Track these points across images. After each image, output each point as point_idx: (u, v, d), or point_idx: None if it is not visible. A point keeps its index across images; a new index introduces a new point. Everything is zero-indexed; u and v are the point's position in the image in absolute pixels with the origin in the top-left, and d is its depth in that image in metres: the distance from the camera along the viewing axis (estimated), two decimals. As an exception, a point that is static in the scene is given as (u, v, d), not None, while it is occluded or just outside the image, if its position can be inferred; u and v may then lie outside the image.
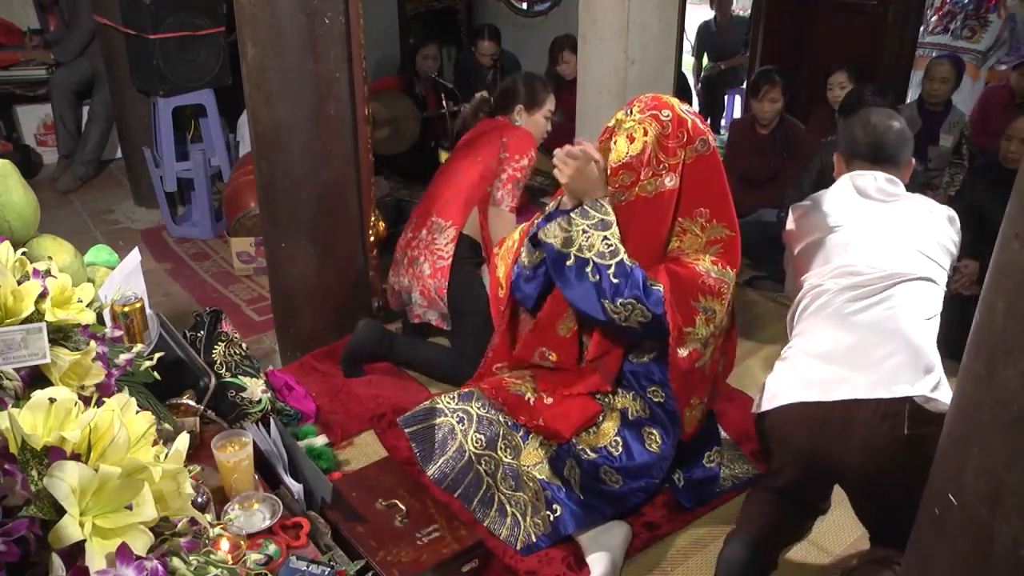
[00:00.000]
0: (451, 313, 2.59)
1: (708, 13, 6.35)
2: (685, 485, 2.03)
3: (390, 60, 5.16)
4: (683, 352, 1.79)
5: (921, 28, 5.09)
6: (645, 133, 1.73)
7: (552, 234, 1.78)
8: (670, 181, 1.75)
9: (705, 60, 6.06)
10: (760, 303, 3.21)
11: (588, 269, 1.74)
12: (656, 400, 1.88)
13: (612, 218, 1.76)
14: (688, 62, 6.62)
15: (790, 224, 2.00)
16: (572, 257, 1.75)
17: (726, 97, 6.03)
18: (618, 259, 1.73)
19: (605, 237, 1.74)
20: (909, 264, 1.77)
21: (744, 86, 5.21)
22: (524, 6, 5.60)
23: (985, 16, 5.28)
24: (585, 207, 1.78)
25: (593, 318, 1.78)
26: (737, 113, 5.79)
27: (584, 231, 1.76)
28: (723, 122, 5.93)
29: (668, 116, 1.73)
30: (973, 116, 4.46)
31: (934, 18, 5.49)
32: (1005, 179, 2.73)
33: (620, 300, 1.72)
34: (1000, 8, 5.25)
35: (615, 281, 1.71)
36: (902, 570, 1.27)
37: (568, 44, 4.31)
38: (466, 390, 2.12)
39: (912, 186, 3.20)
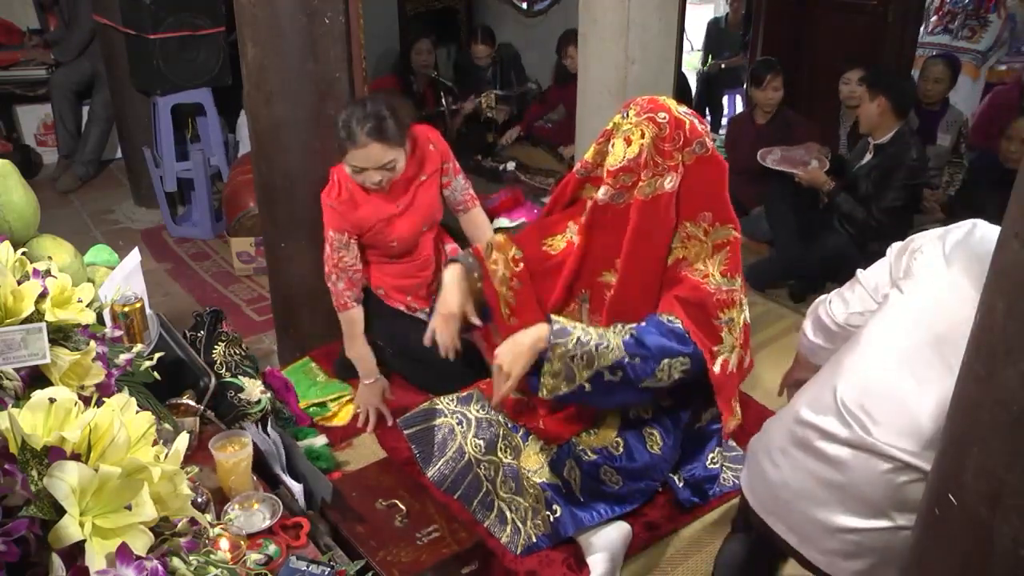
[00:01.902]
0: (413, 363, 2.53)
1: (708, 13, 6.35)
2: (685, 485, 2.03)
3: (389, 59, 5.17)
4: (717, 368, 1.76)
5: (921, 28, 5.10)
6: (642, 136, 1.71)
7: (551, 386, 1.68)
8: (668, 183, 1.73)
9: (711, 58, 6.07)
10: (760, 303, 3.22)
11: (607, 379, 1.65)
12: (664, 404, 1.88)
13: (574, 324, 1.67)
14: (694, 60, 6.63)
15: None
16: (586, 386, 1.66)
17: (726, 97, 6.03)
18: (619, 342, 1.63)
19: (596, 341, 1.64)
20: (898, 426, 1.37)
21: (744, 87, 5.21)
22: (524, 5, 5.60)
23: (985, 16, 5.28)
24: (553, 343, 1.64)
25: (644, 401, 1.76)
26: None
27: (572, 358, 1.64)
28: (723, 121, 5.93)
29: (665, 118, 1.71)
30: (978, 116, 4.47)
31: (934, 18, 5.49)
32: (1005, 179, 2.74)
33: (655, 369, 1.65)
34: (1000, 8, 5.26)
35: (636, 361, 1.64)
36: (902, 571, 1.26)
37: (573, 40, 4.32)
38: (465, 393, 2.12)
39: (909, 188, 3.20)
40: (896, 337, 1.41)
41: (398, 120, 2.22)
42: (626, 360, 1.63)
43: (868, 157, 3.33)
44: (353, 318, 2.37)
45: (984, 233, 1.40)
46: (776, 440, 1.57)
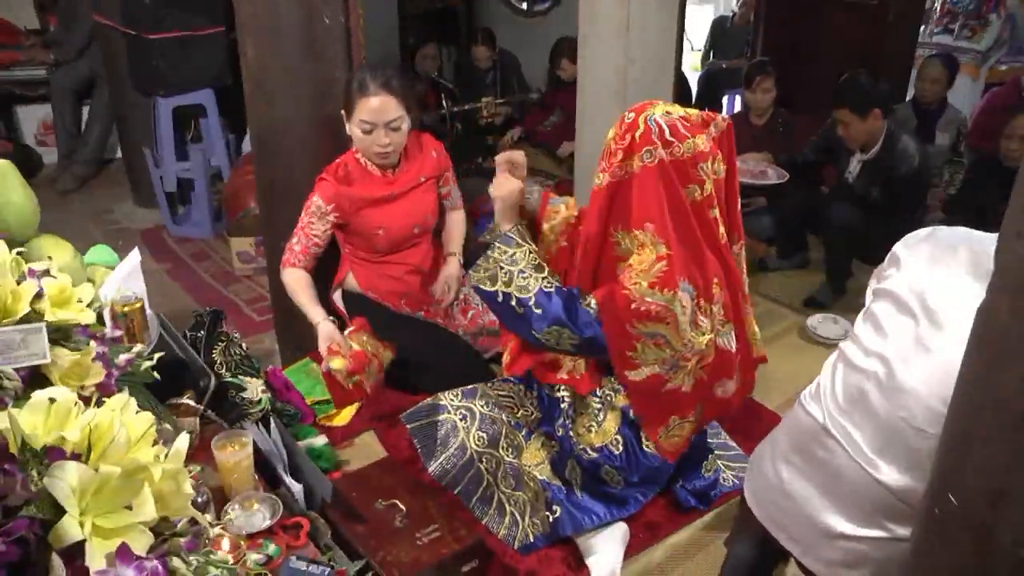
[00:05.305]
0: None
1: (709, 13, 6.33)
2: (687, 493, 2.03)
3: (390, 60, 5.17)
4: (635, 375, 1.77)
5: (923, 28, 5.10)
6: (610, 132, 1.75)
7: (478, 277, 1.81)
8: (599, 180, 1.75)
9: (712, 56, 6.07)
10: (760, 303, 3.21)
11: (513, 303, 1.76)
12: (624, 404, 1.89)
13: (524, 247, 1.79)
14: (694, 60, 6.62)
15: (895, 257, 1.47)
16: (500, 295, 1.78)
17: (726, 98, 6.03)
18: (536, 288, 1.74)
19: (521, 270, 1.77)
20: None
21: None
22: (524, 6, 5.61)
23: (986, 16, 5.28)
24: (497, 244, 1.80)
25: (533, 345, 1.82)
26: (737, 114, 5.78)
27: (501, 266, 1.78)
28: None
29: (630, 118, 1.71)
30: (976, 118, 4.46)
31: (935, 18, 5.49)
32: (1006, 178, 2.74)
33: (544, 328, 1.73)
34: (1000, 8, 5.26)
35: (537, 311, 1.73)
36: (901, 570, 1.26)
37: (567, 53, 4.32)
38: (469, 387, 2.12)
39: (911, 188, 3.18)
40: (882, 346, 1.39)
41: (405, 82, 2.31)
42: (531, 303, 1.73)
43: (856, 166, 3.32)
44: (299, 276, 2.33)
45: (944, 233, 1.41)
46: (779, 448, 1.56)
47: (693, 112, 1.77)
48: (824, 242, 3.44)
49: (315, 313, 2.32)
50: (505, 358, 2.06)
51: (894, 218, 3.12)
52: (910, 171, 3.15)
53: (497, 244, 1.81)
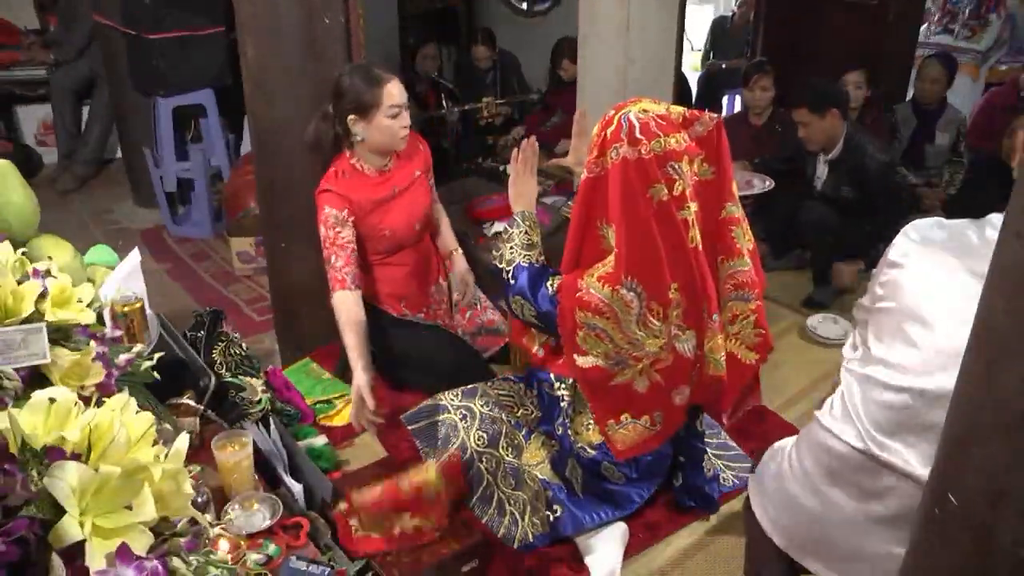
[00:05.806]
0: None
1: (708, 13, 6.32)
2: (688, 494, 2.03)
3: (390, 60, 5.17)
4: (582, 361, 1.77)
5: (923, 28, 5.10)
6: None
7: (494, 256, 1.99)
8: (583, 174, 1.77)
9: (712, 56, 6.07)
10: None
11: (503, 275, 1.92)
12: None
13: (523, 228, 1.93)
14: (694, 60, 6.62)
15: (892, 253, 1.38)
16: (502, 270, 1.94)
17: (726, 97, 6.03)
18: (517, 262, 1.89)
19: (512, 246, 1.92)
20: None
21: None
22: (524, 6, 5.60)
23: (986, 16, 5.28)
24: (506, 225, 1.96)
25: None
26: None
27: (505, 242, 1.94)
28: (721, 122, 5.93)
29: (608, 115, 1.71)
30: (975, 118, 4.46)
31: (935, 18, 5.49)
32: (1006, 177, 2.73)
33: (511, 296, 1.88)
34: (1000, 8, 5.26)
35: (512, 281, 1.88)
36: (902, 571, 1.25)
37: (568, 53, 4.32)
38: (470, 387, 2.13)
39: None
40: (911, 359, 1.31)
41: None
42: (508, 274, 1.90)
43: (823, 170, 3.33)
44: (348, 299, 2.21)
45: (936, 230, 1.36)
46: (810, 477, 1.45)
47: (676, 110, 1.73)
48: (803, 245, 3.45)
49: (355, 357, 2.18)
50: (537, 350, 2.09)
51: (876, 218, 3.12)
52: (879, 167, 3.16)
53: (506, 226, 1.96)
